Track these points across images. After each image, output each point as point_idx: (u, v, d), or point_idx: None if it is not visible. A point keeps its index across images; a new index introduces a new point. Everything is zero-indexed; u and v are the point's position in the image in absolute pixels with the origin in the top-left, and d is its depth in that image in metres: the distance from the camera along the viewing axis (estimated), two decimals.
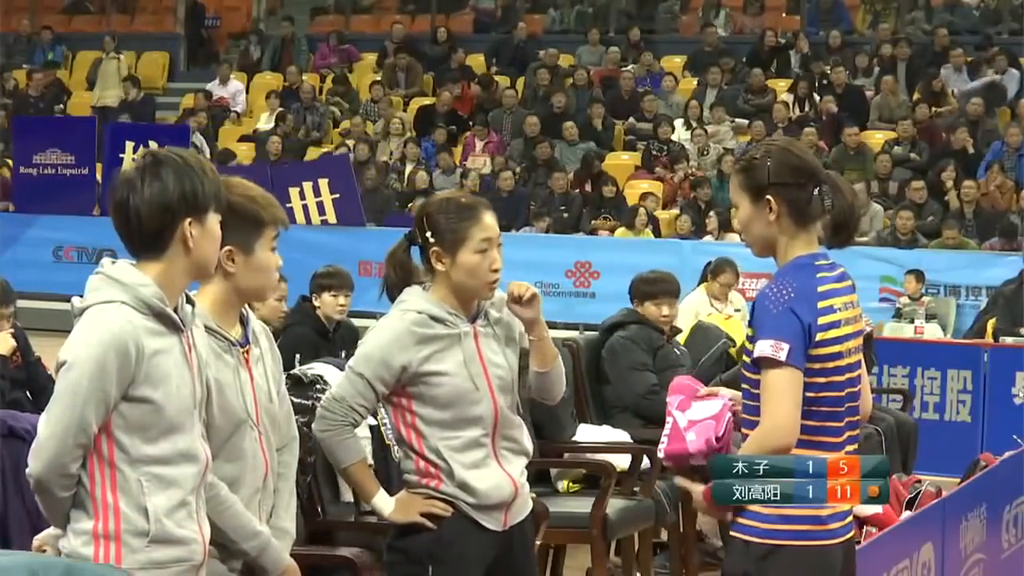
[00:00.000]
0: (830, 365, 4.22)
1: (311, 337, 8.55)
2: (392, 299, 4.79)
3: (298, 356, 7.48)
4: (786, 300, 4.17)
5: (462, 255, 4.66)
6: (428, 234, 4.69)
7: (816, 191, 4.29)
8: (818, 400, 4.21)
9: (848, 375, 4.28)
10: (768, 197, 4.26)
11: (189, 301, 3.82)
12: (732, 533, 4.30)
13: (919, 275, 15.35)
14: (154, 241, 3.72)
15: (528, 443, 4.87)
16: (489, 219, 4.72)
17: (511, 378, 4.77)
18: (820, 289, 4.23)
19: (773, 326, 4.15)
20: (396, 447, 4.98)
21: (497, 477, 4.72)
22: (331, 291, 8.76)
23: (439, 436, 4.67)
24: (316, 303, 8.76)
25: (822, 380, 4.21)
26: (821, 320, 4.20)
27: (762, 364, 4.16)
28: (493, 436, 4.72)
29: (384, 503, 4.72)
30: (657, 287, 8.39)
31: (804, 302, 4.18)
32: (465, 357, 4.68)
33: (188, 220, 3.71)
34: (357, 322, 8.91)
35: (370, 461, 5.47)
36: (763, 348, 4.15)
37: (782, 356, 4.12)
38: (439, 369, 4.65)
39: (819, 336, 4.19)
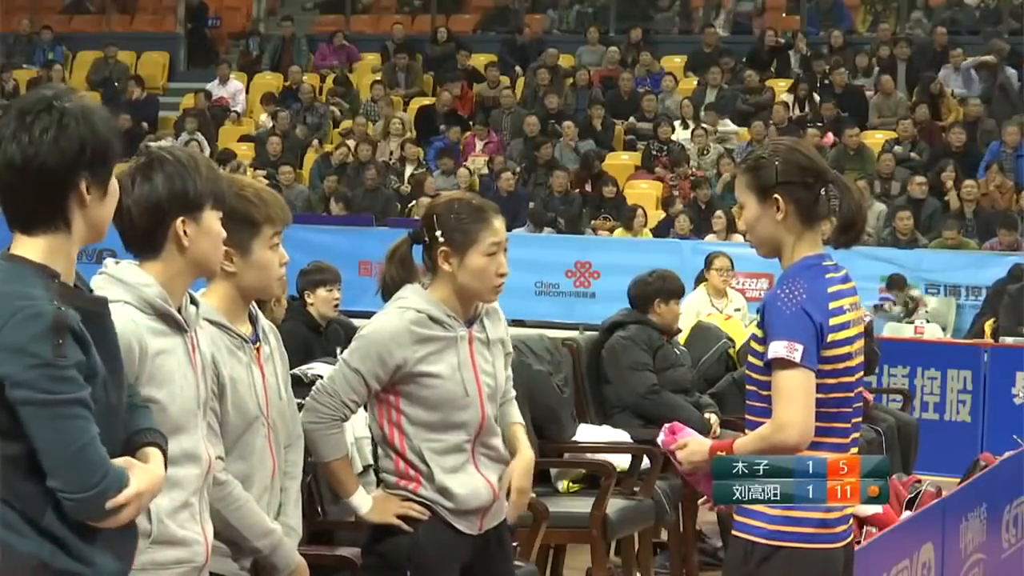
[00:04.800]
0: (840, 366, 4.21)
1: (302, 333, 8.43)
2: (387, 298, 4.74)
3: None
4: (798, 301, 4.16)
5: (471, 257, 4.64)
6: (437, 233, 4.65)
7: (823, 191, 4.28)
8: (828, 400, 4.20)
9: (856, 375, 4.28)
10: (776, 196, 4.24)
11: (193, 301, 3.78)
12: (734, 533, 4.28)
13: (900, 279, 15.25)
14: (148, 241, 3.70)
15: (506, 452, 4.84)
16: (499, 223, 4.70)
17: (498, 387, 4.76)
18: (830, 290, 4.22)
19: (787, 327, 4.13)
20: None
21: (475, 483, 4.70)
22: (326, 286, 8.69)
23: (423, 437, 4.64)
24: (309, 300, 8.69)
25: (832, 381, 4.20)
26: (832, 321, 4.19)
27: (775, 365, 4.14)
28: (474, 442, 4.70)
29: (362, 501, 4.69)
30: (677, 284, 8.39)
31: (816, 303, 4.17)
32: (459, 361, 4.65)
33: (180, 219, 3.68)
34: (357, 322, 8.86)
35: (369, 461, 5.46)
36: (777, 349, 4.12)
37: (796, 357, 4.10)
38: (432, 371, 4.62)
39: (831, 337, 4.18)
